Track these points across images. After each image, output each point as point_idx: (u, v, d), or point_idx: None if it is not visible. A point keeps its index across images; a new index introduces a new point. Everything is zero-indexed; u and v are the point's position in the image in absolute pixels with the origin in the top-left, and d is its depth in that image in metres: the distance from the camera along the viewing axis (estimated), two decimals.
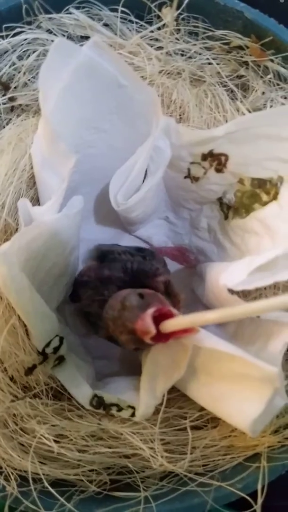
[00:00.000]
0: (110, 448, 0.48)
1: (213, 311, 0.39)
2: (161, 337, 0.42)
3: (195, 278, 0.65)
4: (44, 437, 0.46)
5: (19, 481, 0.46)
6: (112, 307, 0.48)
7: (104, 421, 0.49)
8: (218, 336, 0.46)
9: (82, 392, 0.50)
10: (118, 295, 0.48)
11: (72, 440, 0.48)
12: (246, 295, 0.54)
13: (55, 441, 0.47)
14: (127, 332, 0.45)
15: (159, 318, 0.42)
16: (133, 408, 0.49)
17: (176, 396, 0.52)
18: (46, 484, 0.45)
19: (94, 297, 0.54)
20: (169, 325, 0.41)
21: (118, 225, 0.66)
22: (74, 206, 0.52)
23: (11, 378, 0.50)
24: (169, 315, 0.42)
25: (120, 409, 0.49)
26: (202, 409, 0.51)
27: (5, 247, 0.42)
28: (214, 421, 0.51)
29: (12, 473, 0.46)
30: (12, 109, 0.61)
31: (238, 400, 0.45)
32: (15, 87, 0.60)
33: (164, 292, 0.53)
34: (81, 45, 0.47)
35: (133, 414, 0.49)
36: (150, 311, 0.41)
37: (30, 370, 0.49)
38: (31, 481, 0.45)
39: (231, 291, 0.48)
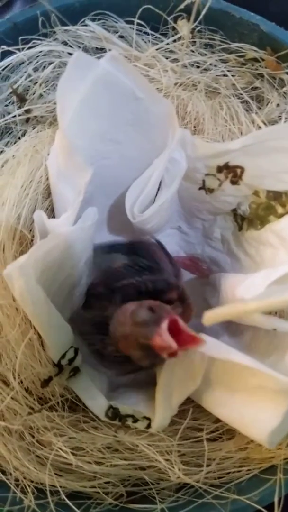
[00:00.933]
0: (126, 460, 0.48)
1: (254, 300, 0.40)
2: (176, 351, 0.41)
3: (208, 288, 0.65)
4: (62, 449, 0.46)
5: (36, 494, 0.46)
6: (121, 323, 0.46)
7: (120, 433, 0.49)
8: (233, 347, 0.46)
9: (98, 404, 0.50)
10: (125, 310, 0.47)
11: (88, 452, 0.48)
12: None
13: (72, 453, 0.47)
14: (140, 349, 0.44)
15: (172, 331, 0.41)
16: (148, 419, 0.49)
17: (191, 407, 0.52)
18: (63, 496, 0.45)
19: (107, 306, 0.53)
20: (212, 317, 0.41)
21: (130, 234, 0.66)
22: (89, 218, 0.52)
23: (27, 390, 0.50)
24: (176, 324, 0.42)
25: (135, 420, 0.49)
26: (217, 420, 0.51)
27: (22, 260, 0.42)
28: (230, 432, 0.51)
29: (29, 486, 0.46)
30: (27, 120, 0.61)
31: (254, 411, 0.45)
32: (31, 99, 0.61)
33: (178, 299, 0.52)
34: (97, 57, 0.47)
35: (148, 425, 0.49)
36: (164, 325, 0.41)
37: (46, 382, 0.49)
38: (48, 493, 0.45)
39: None
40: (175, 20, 0.62)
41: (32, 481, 0.46)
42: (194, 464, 0.49)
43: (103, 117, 0.51)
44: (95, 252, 0.57)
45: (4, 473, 0.47)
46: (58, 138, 0.53)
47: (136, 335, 0.44)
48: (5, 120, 0.60)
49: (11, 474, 0.47)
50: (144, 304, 0.46)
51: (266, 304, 0.40)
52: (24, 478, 0.46)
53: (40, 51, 0.61)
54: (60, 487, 0.46)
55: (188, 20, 0.59)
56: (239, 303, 0.40)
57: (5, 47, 0.59)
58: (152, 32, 0.63)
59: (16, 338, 0.48)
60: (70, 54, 0.60)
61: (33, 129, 0.60)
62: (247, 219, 0.58)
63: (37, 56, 0.61)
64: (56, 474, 0.47)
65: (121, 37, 0.64)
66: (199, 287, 0.67)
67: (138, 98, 0.50)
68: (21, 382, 0.49)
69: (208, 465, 0.48)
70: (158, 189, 0.57)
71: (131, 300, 0.49)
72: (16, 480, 0.47)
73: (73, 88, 0.47)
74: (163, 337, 0.40)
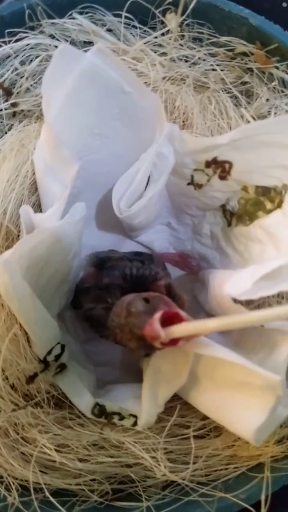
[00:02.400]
0: (112, 457, 0.48)
1: (215, 319, 0.39)
2: (171, 341, 0.41)
3: (197, 284, 0.65)
4: (46, 446, 0.46)
5: (20, 491, 0.45)
6: (117, 315, 0.47)
7: (106, 430, 0.49)
8: (221, 344, 0.45)
9: (84, 401, 0.49)
10: (123, 302, 0.47)
11: (73, 449, 0.47)
12: (249, 303, 0.53)
13: (56, 450, 0.46)
14: (135, 339, 0.44)
15: (167, 321, 0.41)
16: (135, 416, 0.49)
17: (178, 404, 0.51)
18: (47, 494, 0.45)
19: (97, 302, 0.54)
20: (173, 332, 0.40)
21: (119, 231, 0.66)
22: (77, 213, 0.51)
23: (12, 386, 0.49)
24: (177, 317, 0.41)
25: (122, 417, 0.49)
26: (204, 417, 0.51)
27: (6, 255, 0.41)
28: (217, 430, 0.51)
29: (13, 483, 0.45)
30: (14, 114, 0.60)
31: (241, 408, 0.45)
32: (17, 93, 0.60)
33: (167, 296, 0.52)
34: (85, 50, 0.47)
35: (135, 423, 0.48)
36: (157, 315, 0.41)
37: (31, 379, 0.49)
38: (32, 491, 0.45)
39: (235, 300, 0.48)
40: (164, 13, 0.62)
41: (16, 478, 0.46)
42: (181, 461, 0.49)
43: (90, 111, 0.51)
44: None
45: None
46: (44, 132, 0.52)
47: (130, 325, 0.44)
48: None
49: None
50: (141, 295, 0.46)
51: (230, 322, 0.40)
52: (8, 475, 0.46)
53: (27, 44, 0.60)
54: (45, 484, 0.45)
55: (176, 13, 0.59)
56: (202, 321, 0.40)
57: None
58: (140, 26, 0.63)
59: (1, 333, 0.47)
60: (57, 47, 0.60)
61: (19, 123, 0.60)
62: (236, 215, 0.58)
63: (24, 50, 0.60)
64: (40, 471, 0.46)
65: (109, 30, 0.63)
66: (188, 284, 0.67)
67: (125, 92, 0.50)
68: (6, 378, 0.49)
69: (194, 463, 0.48)
70: (147, 184, 0.56)
71: (118, 288, 0.51)
72: (0, 477, 0.46)
73: (58, 81, 0.47)
74: (152, 327, 0.40)
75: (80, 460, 0.47)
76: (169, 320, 0.41)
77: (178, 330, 0.41)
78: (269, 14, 0.62)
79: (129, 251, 0.65)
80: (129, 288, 0.52)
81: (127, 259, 0.58)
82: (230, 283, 0.48)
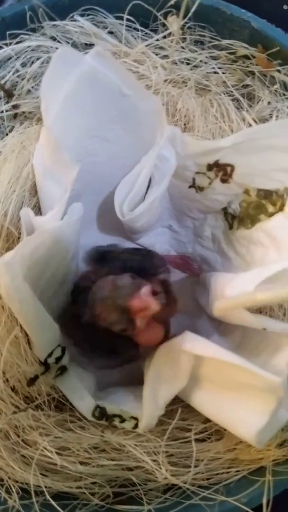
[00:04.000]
0: (113, 460, 0.48)
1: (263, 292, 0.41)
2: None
3: (198, 287, 0.64)
4: (47, 449, 0.46)
5: (20, 494, 0.45)
6: (101, 288, 0.48)
7: (107, 433, 0.49)
8: (223, 346, 0.45)
9: (85, 403, 0.49)
10: (107, 278, 0.49)
11: (74, 452, 0.47)
12: None
13: (57, 453, 0.46)
14: (117, 311, 0.45)
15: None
16: (136, 419, 0.49)
17: (179, 407, 0.51)
18: (48, 497, 0.45)
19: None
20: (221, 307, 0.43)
21: (120, 233, 0.65)
22: (74, 213, 0.51)
23: (13, 389, 0.49)
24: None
25: (123, 420, 0.49)
26: (206, 420, 0.51)
27: (8, 256, 0.41)
28: (218, 433, 0.51)
29: (14, 486, 0.45)
30: (15, 116, 0.60)
31: (242, 410, 0.45)
32: (18, 94, 0.60)
33: (162, 291, 0.53)
34: (86, 53, 0.47)
35: (136, 425, 0.48)
36: (147, 287, 0.43)
37: (32, 381, 0.49)
38: (33, 494, 0.45)
39: None
40: (165, 16, 0.62)
41: (16, 481, 0.46)
42: (182, 465, 0.48)
43: (89, 114, 0.50)
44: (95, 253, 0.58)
45: None
46: (43, 135, 0.52)
47: (115, 297, 0.46)
48: None
49: None
50: (127, 274, 0.48)
51: (275, 295, 0.40)
52: (9, 478, 0.46)
53: (28, 46, 0.60)
54: (45, 487, 0.45)
55: (178, 16, 0.59)
56: (248, 294, 0.41)
57: None
58: (142, 28, 0.63)
59: (1, 335, 0.47)
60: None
61: (20, 125, 0.59)
62: (238, 218, 0.58)
63: (25, 51, 0.60)
64: (41, 474, 0.46)
65: (111, 32, 0.63)
66: (189, 286, 0.67)
67: (125, 94, 0.50)
68: (7, 380, 0.49)
69: (196, 466, 0.48)
70: (148, 186, 0.56)
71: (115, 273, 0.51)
72: (1, 480, 0.46)
73: (57, 84, 0.46)
74: (141, 299, 0.43)
75: (81, 463, 0.47)
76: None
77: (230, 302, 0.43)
78: (270, 16, 0.62)
79: (129, 247, 0.65)
80: None
81: (128, 253, 0.60)
82: (232, 287, 0.48)
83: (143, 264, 0.56)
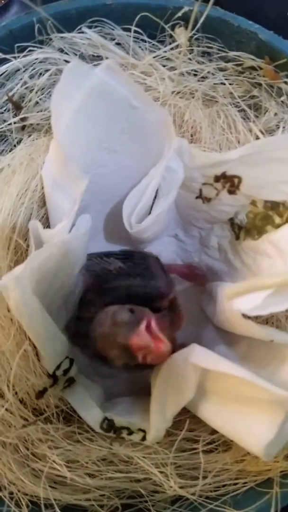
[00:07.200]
0: (121, 472, 0.48)
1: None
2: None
3: (204, 296, 0.65)
4: (56, 462, 0.46)
5: (30, 507, 0.45)
6: (101, 324, 0.48)
7: (115, 445, 0.49)
8: (228, 357, 0.45)
9: (93, 415, 0.49)
10: (107, 312, 0.49)
11: (83, 465, 0.47)
12: (257, 317, 0.54)
13: (66, 466, 0.46)
14: (118, 348, 0.46)
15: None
16: (143, 431, 0.49)
17: (187, 418, 0.51)
18: (57, 509, 0.45)
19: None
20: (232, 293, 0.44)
21: (127, 242, 0.66)
22: (82, 225, 0.52)
23: (21, 401, 0.49)
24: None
25: (130, 432, 0.49)
26: (213, 431, 0.51)
27: (17, 271, 0.41)
28: (226, 444, 0.51)
29: (23, 499, 0.45)
30: (23, 128, 0.61)
31: (250, 423, 0.45)
32: (26, 107, 0.60)
33: (168, 307, 0.53)
34: (94, 64, 0.47)
35: (143, 438, 0.48)
36: (143, 326, 0.43)
37: (41, 394, 0.49)
38: (42, 507, 0.45)
39: (245, 316, 0.48)
40: (173, 27, 0.62)
41: (26, 494, 0.46)
42: (190, 476, 0.48)
43: (98, 126, 0.51)
44: (91, 258, 0.57)
45: None
46: (52, 148, 0.53)
47: (115, 334, 0.46)
48: (1, 128, 0.60)
49: (5, 488, 0.46)
50: (126, 306, 0.48)
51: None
52: (18, 491, 0.46)
53: (36, 58, 0.60)
54: (55, 500, 0.45)
55: (186, 28, 0.59)
56: (258, 279, 0.42)
57: (0, 54, 0.59)
58: (149, 40, 0.63)
59: (11, 349, 0.47)
60: (67, 61, 0.60)
61: (28, 137, 0.60)
62: (244, 229, 0.58)
63: (33, 63, 0.60)
64: (50, 486, 0.46)
65: (118, 44, 0.63)
66: (195, 295, 0.67)
67: (133, 107, 0.50)
68: (16, 393, 0.49)
69: (204, 478, 0.48)
70: (155, 197, 0.57)
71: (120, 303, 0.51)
72: (10, 493, 0.46)
73: (67, 97, 0.47)
74: (141, 337, 0.43)
75: (90, 476, 0.47)
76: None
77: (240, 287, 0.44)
78: (274, 24, 0.62)
79: (120, 250, 0.65)
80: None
81: (125, 274, 0.57)
82: (240, 299, 0.48)
83: (148, 290, 0.55)
